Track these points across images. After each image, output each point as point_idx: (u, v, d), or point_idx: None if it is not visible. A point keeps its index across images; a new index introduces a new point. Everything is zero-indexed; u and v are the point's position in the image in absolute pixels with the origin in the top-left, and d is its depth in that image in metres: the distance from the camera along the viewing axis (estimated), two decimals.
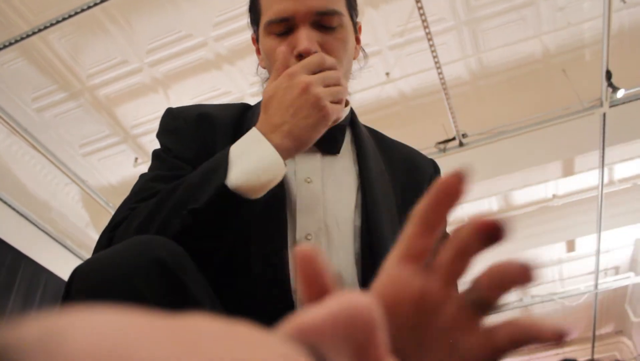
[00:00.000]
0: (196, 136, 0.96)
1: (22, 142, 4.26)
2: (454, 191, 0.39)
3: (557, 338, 0.37)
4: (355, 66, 1.05)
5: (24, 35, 3.46)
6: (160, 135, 1.00)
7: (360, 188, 0.95)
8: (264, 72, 1.05)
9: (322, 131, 0.83)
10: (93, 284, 0.63)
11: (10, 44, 3.49)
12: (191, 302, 0.65)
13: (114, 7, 3.57)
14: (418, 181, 1.03)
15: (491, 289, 0.39)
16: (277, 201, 0.86)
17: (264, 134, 0.81)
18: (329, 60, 0.86)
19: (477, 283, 0.40)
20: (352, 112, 1.07)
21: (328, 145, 0.96)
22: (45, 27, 3.41)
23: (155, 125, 4.65)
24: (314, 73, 0.84)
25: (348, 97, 1.07)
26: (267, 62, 0.98)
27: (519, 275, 0.39)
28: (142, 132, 4.45)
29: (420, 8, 3.41)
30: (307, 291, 0.32)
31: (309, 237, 0.89)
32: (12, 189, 4.50)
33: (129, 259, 0.64)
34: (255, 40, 1.03)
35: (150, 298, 0.62)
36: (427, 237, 0.41)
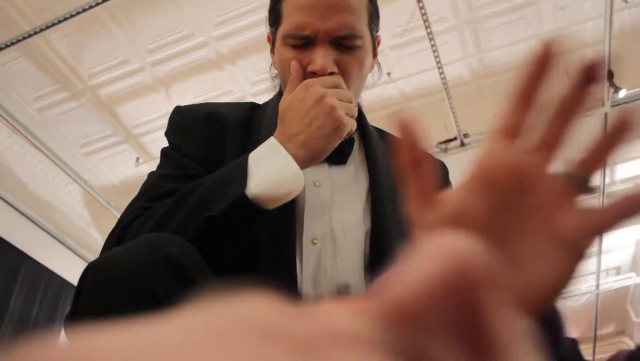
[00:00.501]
0: (205, 135, 0.96)
1: (24, 142, 4.27)
2: (546, 58, 0.38)
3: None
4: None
5: (26, 35, 3.46)
6: (169, 133, 1.00)
7: (369, 193, 0.95)
8: (275, 72, 1.06)
9: (337, 141, 0.84)
10: (106, 281, 0.64)
11: (12, 43, 3.49)
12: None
13: (116, 6, 3.58)
14: None
15: (589, 162, 0.39)
16: (287, 203, 0.85)
17: (282, 145, 0.82)
18: (345, 89, 0.89)
19: (572, 160, 0.39)
20: (360, 114, 1.07)
21: (336, 156, 0.94)
22: (47, 27, 3.41)
23: (157, 124, 4.68)
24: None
25: (359, 100, 1.08)
26: (281, 69, 0.97)
27: (616, 134, 0.37)
28: (143, 132, 4.46)
29: (421, 8, 3.41)
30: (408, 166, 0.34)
31: (315, 241, 0.89)
32: (13, 189, 4.50)
33: (142, 257, 0.65)
34: (271, 40, 1.02)
35: (162, 295, 0.63)
36: (522, 111, 0.39)
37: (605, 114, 4.02)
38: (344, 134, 0.85)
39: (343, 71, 0.91)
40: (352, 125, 0.86)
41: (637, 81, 3.95)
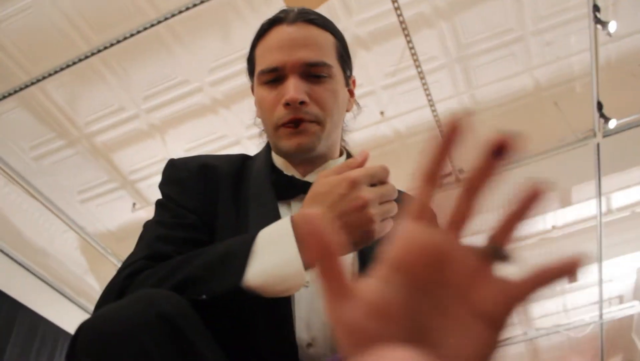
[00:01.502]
0: (199, 186, 0.97)
1: (20, 191, 4.27)
2: (449, 136, 0.38)
3: (569, 270, 0.36)
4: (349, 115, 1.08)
5: (23, 86, 3.51)
6: (163, 185, 1.01)
7: None
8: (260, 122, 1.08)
9: (357, 249, 0.82)
10: (98, 340, 0.63)
11: (10, 94, 3.54)
12: (196, 355, 0.65)
13: (111, 55, 3.64)
14: None
15: (501, 232, 0.38)
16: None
17: (298, 221, 0.76)
18: (392, 187, 0.82)
19: (485, 232, 0.39)
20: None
21: None
22: (44, 77, 3.46)
23: (153, 170, 4.70)
24: (372, 183, 0.80)
25: (345, 144, 1.09)
26: (259, 110, 1.02)
27: (526, 205, 0.37)
28: (140, 177, 4.47)
29: (411, 48, 3.48)
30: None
31: (307, 283, 0.89)
32: (9, 237, 4.48)
33: (135, 315, 0.64)
34: (253, 90, 1.06)
35: (155, 353, 0.62)
36: (431, 189, 0.40)
37: (597, 145, 4.06)
38: (370, 242, 0.78)
39: (316, 101, 0.94)
40: (382, 232, 0.78)
41: (626, 111, 4.01)
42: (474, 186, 0.39)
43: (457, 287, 0.37)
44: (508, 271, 0.39)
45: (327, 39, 0.99)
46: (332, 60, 0.97)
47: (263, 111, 0.98)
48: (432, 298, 0.38)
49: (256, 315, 0.80)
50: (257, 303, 0.77)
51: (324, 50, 0.97)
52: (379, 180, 0.80)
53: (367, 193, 0.77)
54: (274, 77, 0.95)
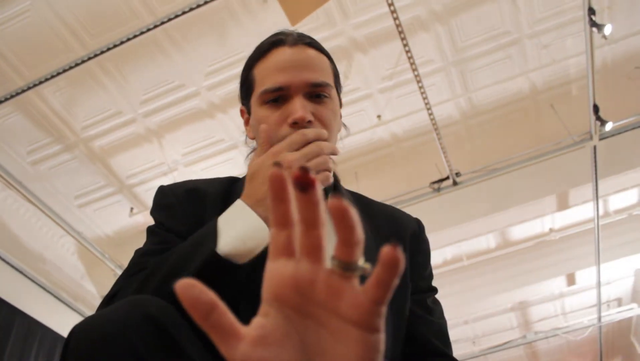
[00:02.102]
0: (187, 210, 1.01)
1: (17, 196, 4.26)
2: (282, 182, 0.43)
3: (390, 260, 0.40)
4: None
5: (19, 91, 3.50)
6: (153, 211, 1.05)
7: None
8: (252, 142, 1.10)
9: None
10: (89, 342, 0.66)
11: (6, 99, 3.53)
12: (183, 355, 0.69)
13: (108, 60, 3.64)
14: (399, 232, 1.06)
15: (339, 249, 0.42)
16: (265, 255, 0.86)
17: (250, 207, 0.86)
18: (311, 133, 0.90)
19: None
20: (335, 177, 1.09)
21: None
22: (40, 82, 3.46)
23: (151, 174, 4.70)
24: (298, 149, 0.88)
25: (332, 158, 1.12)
26: (255, 131, 1.03)
27: (338, 216, 0.41)
28: (137, 182, 4.46)
29: (408, 51, 3.49)
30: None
31: None
32: (6, 243, 4.47)
33: (124, 316, 0.68)
34: (245, 112, 1.09)
35: (144, 353, 0.65)
36: (286, 229, 0.45)
37: (594, 147, 4.07)
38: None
39: (320, 121, 0.98)
40: (324, 181, 0.89)
41: (622, 113, 4.02)
42: (304, 219, 0.43)
43: (325, 304, 0.44)
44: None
45: (325, 61, 1.04)
46: (330, 81, 1.03)
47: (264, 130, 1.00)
48: (308, 318, 0.45)
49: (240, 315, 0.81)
50: (242, 290, 0.81)
51: (324, 72, 1.02)
52: (301, 144, 0.88)
53: (288, 156, 0.86)
54: (278, 97, 0.98)
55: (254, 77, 1.03)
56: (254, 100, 1.02)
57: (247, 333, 0.43)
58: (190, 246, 0.85)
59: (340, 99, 1.09)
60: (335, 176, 1.10)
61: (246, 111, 1.08)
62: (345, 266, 0.42)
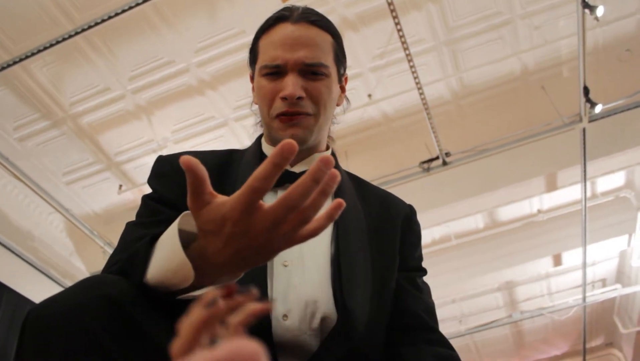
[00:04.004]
0: (181, 181, 1.00)
1: (4, 172, 4.22)
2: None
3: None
4: (338, 109, 1.16)
5: (5, 65, 3.45)
6: (149, 179, 1.08)
7: (335, 222, 0.99)
8: (256, 107, 1.12)
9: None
10: (44, 323, 0.66)
11: None
12: (144, 336, 0.68)
13: (96, 35, 3.58)
14: (391, 215, 1.10)
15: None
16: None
17: (198, 257, 0.71)
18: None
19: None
20: (333, 154, 1.12)
21: None
22: (27, 57, 3.40)
23: (139, 151, 4.66)
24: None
25: (330, 140, 1.17)
26: (258, 98, 1.07)
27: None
28: (125, 159, 4.43)
29: (399, 30, 3.46)
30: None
31: (286, 264, 0.95)
32: None
33: (78, 298, 0.67)
34: (252, 78, 1.12)
35: (101, 334, 0.65)
36: (197, 339, 0.50)
37: (584, 129, 4.09)
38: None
39: (311, 97, 1.02)
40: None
41: (612, 96, 4.03)
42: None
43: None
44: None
45: (326, 40, 1.06)
46: (328, 60, 1.05)
47: (261, 100, 1.05)
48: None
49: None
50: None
51: (323, 51, 1.04)
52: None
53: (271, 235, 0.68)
54: (274, 72, 1.02)
55: (259, 48, 1.07)
56: (257, 70, 1.07)
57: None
58: (131, 257, 0.80)
59: (341, 76, 1.12)
60: (333, 153, 1.13)
61: (252, 76, 1.12)
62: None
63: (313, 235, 0.65)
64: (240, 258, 0.68)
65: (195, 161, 0.62)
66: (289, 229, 0.64)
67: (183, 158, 0.62)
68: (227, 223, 0.64)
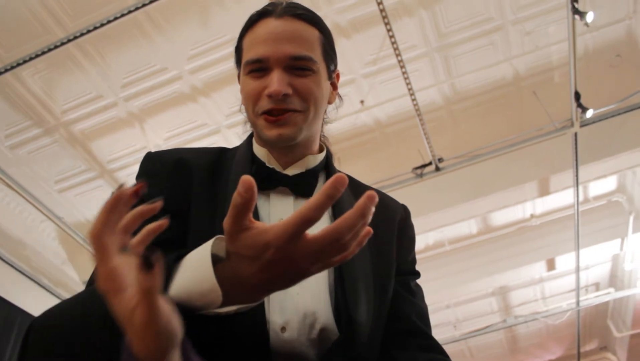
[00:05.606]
0: (172, 180, 0.98)
1: None
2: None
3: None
4: (330, 107, 1.11)
5: None
6: (138, 177, 1.04)
7: None
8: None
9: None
10: (48, 335, 0.65)
11: None
12: None
13: (88, 42, 3.57)
14: (387, 217, 1.07)
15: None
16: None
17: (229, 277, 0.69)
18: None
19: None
20: (327, 156, 1.10)
21: (301, 189, 1.00)
22: (19, 64, 3.39)
23: (132, 159, 4.64)
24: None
25: (325, 139, 1.13)
26: (244, 98, 1.03)
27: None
28: (118, 166, 4.42)
29: (391, 36, 3.48)
30: None
31: None
32: None
33: (83, 308, 0.67)
34: (239, 78, 1.08)
35: (106, 346, 0.63)
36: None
37: (575, 134, 4.11)
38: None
39: (298, 93, 0.97)
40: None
41: (603, 101, 4.06)
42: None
43: None
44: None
45: (313, 34, 1.01)
46: (316, 54, 1.00)
47: (246, 99, 1.01)
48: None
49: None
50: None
51: (309, 44, 0.99)
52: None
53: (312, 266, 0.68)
54: (259, 68, 0.98)
55: (243, 46, 1.03)
56: (242, 69, 1.02)
57: None
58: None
59: (332, 72, 1.06)
60: (327, 154, 1.11)
61: (239, 75, 1.08)
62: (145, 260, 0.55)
63: (344, 261, 0.66)
64: (273, 283, 0.68)
65: (254, 184, 0.60)
66: (328, 258, 0.65)
67: (246, 178, 0.60)
68: (270, 249, 0.63)
